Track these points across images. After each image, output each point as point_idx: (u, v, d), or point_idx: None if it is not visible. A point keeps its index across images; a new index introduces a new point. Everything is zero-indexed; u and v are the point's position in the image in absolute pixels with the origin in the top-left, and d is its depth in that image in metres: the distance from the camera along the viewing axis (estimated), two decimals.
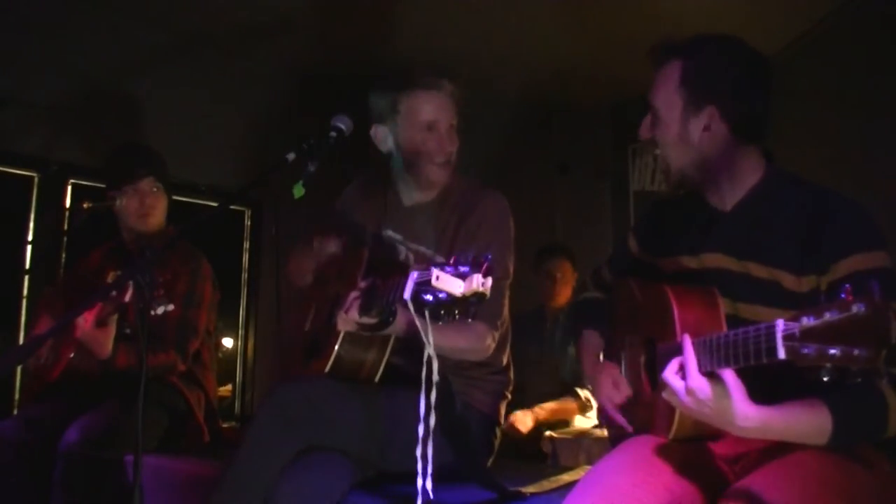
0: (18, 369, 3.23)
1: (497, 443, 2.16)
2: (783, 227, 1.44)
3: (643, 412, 1.57)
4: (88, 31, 3.58)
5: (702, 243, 1.57)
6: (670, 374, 1.30)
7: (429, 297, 1.31)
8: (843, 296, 1.01)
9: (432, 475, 1.47)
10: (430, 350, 1.43)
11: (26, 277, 3.39)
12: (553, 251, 3.82)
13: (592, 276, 1.96)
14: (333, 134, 1.84)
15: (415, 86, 2.02)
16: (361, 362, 1.90)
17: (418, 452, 1.44)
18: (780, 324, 1.08)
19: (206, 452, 2.53)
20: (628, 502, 1.33)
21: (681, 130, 1.53)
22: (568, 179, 4.87)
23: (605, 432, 3.05)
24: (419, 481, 1.45)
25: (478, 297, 1.30)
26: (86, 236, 2.89)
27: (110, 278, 2.60)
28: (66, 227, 3.17)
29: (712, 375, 1.26)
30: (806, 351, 1.03)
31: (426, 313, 1.36)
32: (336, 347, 1.86)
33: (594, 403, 3.55)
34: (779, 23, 3.60)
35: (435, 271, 1.30)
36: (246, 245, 4.23)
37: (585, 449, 3.16)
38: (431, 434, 1.46)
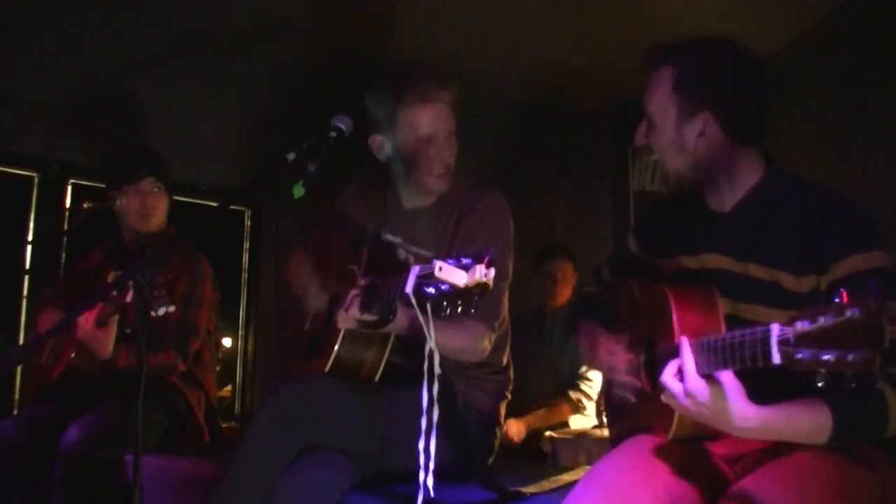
0: (18, 369, 3.23)
1: (497, 443, 2.16)
2: (783, 228, 1.44)
3: (643, 412, 1.57)
4: (88, 31, 3.59)
5: (701, 244, 1.57)
6: (668, 376, 1.31)
7: (431, 290, 1.31)
8: (837, 300, 1.01)
9: (433, 473, 1.47)
10: (431, 343, 1.43)
11: (26, 277, 3.39)
12: (554, 251, 3.82)
13: (593, 276, 1.96)
14: (333, 134, 1.84)
15: (412, 98, 1.99)
16: (361, 362, 1.90)
17: (420, 446, 1.44)
18: (776, 328, 1.09)
19: (206, 452, 2.53)
20: (628, 502, 1.33)
21: (676, 136, 1.52)
22: (568, 179, 4.87)
23: (605, 432, 3.06)
24: (421, 475, 1.45)
25: (481, 288, 1.29)
26: (86, 236, 2.89)
27: (111, 278, 2.60)
28: (66, 227, 3.16)
29: (710, 377, 1.26)
30: (801, 356, 1.03)
31: (428, 307, 1.35)
32: (336, 347, 1.86)
33: (587, 404, 3.56)
34: (779, 23, 3.60)
35: (438, 262, 1.29)
36: (246, 245, 4.23)
37: (585, 449, 3.15)
38: (434, 428, 1.45)
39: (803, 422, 1.27)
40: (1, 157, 3.46)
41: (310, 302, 2.12)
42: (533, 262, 3.74)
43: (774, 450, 1.37)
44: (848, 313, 1.00)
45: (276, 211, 3.79)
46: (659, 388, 1.34)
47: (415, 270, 1.36)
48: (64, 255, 3.50)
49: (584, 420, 3.57)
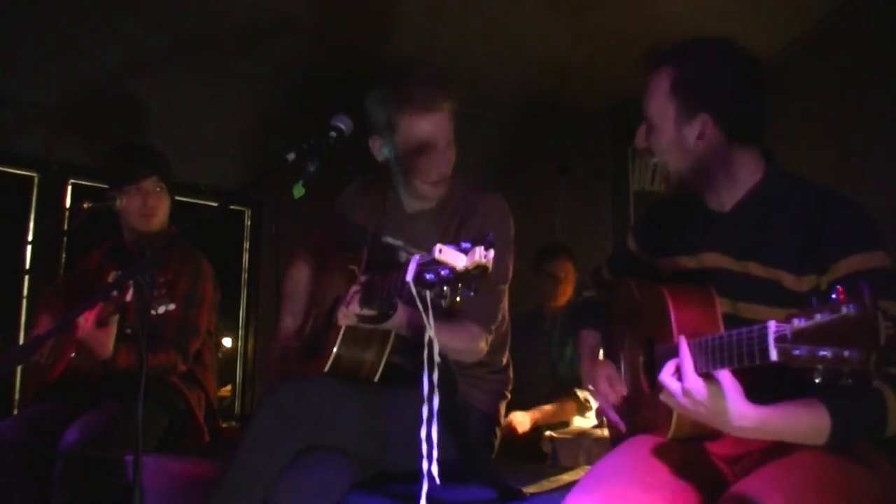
0: (18, 369, 3.23)
1: (497, 442, 2.16)
2: (783, 227, 1.44)
3: (642, 412, 1.57)
4: (88, 31, 3.59)
5: (701, 243, 1.57)
6: (667, 375, 1.31)
7: (431, 276, 1.30)
8: (834, 297, 1.02)
9: (437, 463, 1.46)
10: (430, 332, 1.42)
11: (26, 277, 3.39)
12: (555, 251, 3.82)
13: (593, 276, 1.96)
14: (333, 134, 1.84)
15: (412, 106, 1.97)
16: (361, 362, 1.90)
17: (422, 434, 1.43)
18: (773, 325, 1.09)
19: (206, 452, 2.53)
20: (628, 502, 1.33)
21: (675, 138, 1.52)
22: (568, 179, 4.87)
23: (605, 432, 3.06)
24: (424, 464, 1.44)
25: (480, 269, 1.29)
26: (86, 236, 2.89)
27: (111, 278, 2.60)
28: (66, 227, 3.16)
29: (709, 376, 1.26)
30: (798, 352, 1.04)
31: (427, 295, 1.35)
32: (336, 347, 1.86)
33: (593, 404, 3.55)
34: (779, 23, 3.60)
35: (438, 246, 1.29)
36: (246, 245, 4.23)
37: (585, 449, 3.15)
38: (436, 419, 1.45)
39: (802, 422, 1.27)
40: (1, 157, 3.46)
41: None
42: (533, 262, 3.74)
43: (774, 450, 1.37)
44: (844, 310, 1.00)
45: (276, 211, 3.79)
46: (657, 387, 1.34)
47: (416, 259, 1.36)
48: (64, 255, 3.50)
49: (585, 420, 3.56)
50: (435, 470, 1.43)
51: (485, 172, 4.33)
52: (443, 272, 1.29)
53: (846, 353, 0.99)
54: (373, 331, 1.86)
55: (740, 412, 1.24)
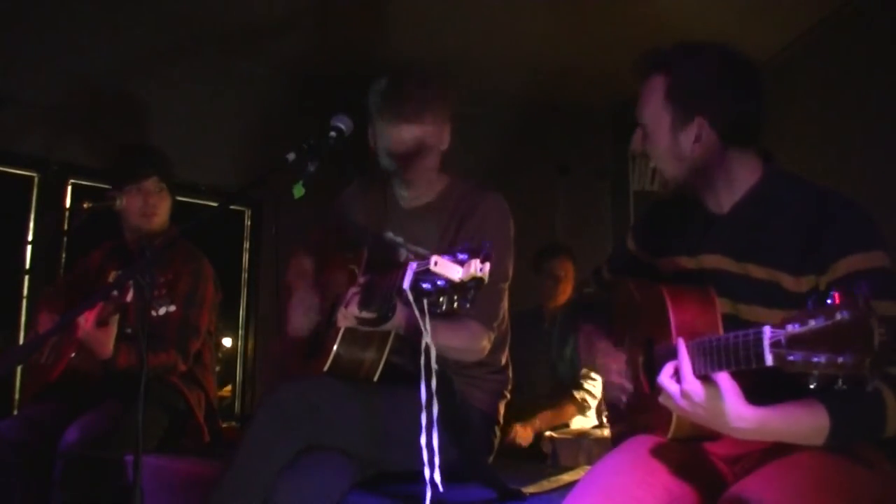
0: (18, 369, 3.23)
1: (497, 442, 2.16)
2: (782, 228, 1.44)
3: (642, 412, 1.57)
4: (88, 31, 3.59)
5: (700, 244, 1.57)
6: (665, 377, 1.31)
7: (427, 286, 1.32)
8: (829, 301, 1.02)
9: (439, 469, 1.46)
10: (427, 339, 1.43)
11: (26, 277, 3.39)
12: (555, 251, 3.82)
13: (593, 276, 1.96)
14: (333, 134, 1.84)
15: (388, 114, 1.98)
16: (360, 361, 1.90)
17: (423, 442, 1.44)
18: (767, 330, 1.09)
19: (206, 452, 2.53)
20: (628, 502, 1.33)
21: (671, 143, 1.53)
22: (568, 179, 4.87)
23: (605, 432, 3.06)
24: (426, 472, 1.44)
25: (476, 282, 1.30)
26: (86, 236, 2.90)
27: (111, 278, 2.60)
28: (66, 227, 3.17)
29: (707, 378, 1.26)
30: (792, 358, 1.04)
31: (424, 303, 1.36)
32: (335, 346, 1.86)
33: (591, 403, 3.55)
34: (778, 23, 3.60)
35: (433, 258, 1.30)
36: (246, 245, 4.23)
37: (585, 449, 3.16)
38: (435, 425, 1.45)
39: (801, 422, 1.27)
40: (1, 157, 3.46)
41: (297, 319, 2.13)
42: (533, 262, 3.74)
43: (773, 450, 1.37)
44: (838, 316, 1.00)
45: (276, 211, 3.79)
46: (656, 388, 1.35)
47: (412, 266, 1.37)
48: (64, 255, 3.50)
49: (585, 420, 3.57)
50: (437, 477, 1.43)
51: (485, 172, 4.32)
52: (439, 282, 1.30)
53: (840, 360, 0.99)
54: (372, 331, 1.86)
55: (739, 413, 1.24)
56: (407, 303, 1.44)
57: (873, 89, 3.28)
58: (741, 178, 1.52)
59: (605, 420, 3.31)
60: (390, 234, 2.16)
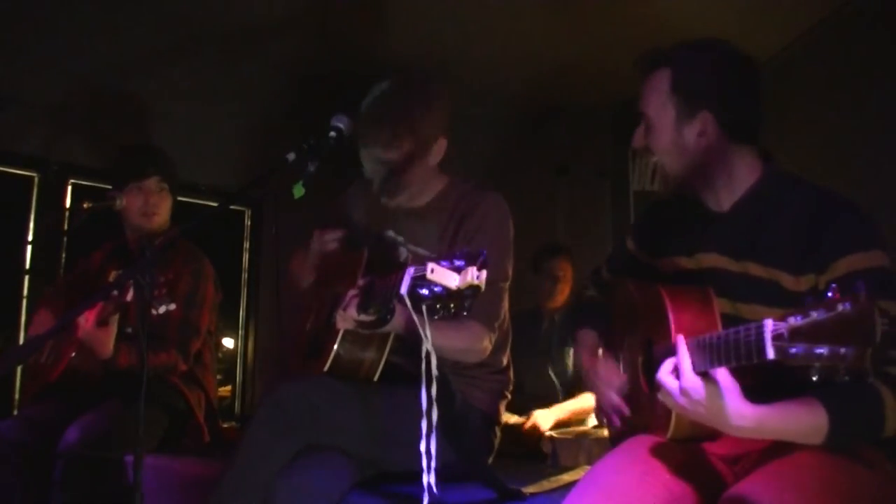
0: (18, 369, 3.23)
1: (497, 442, 2.16)
2: (782, 227, 1.44)
3: (642, 412, 1.57)
4: (88, 31, 3.58)
5: (699, 244, 1.57)
6: (665, 374, 1.31)
7: (425, 292, 1.32)
8: (829, 295, 1.02)
9: (435, 472, 1.47)
10: (427, 345, 1.43)
11: (26, 277, 3.39)
12: (554, 251, 3.82)
13: (592, 276, 1.96)
14: (333, 134, 1.84)
15: (359, 140, 1.98)
16: (360, 361, 1.90)
17: (422, 448, 1.44)
18: (769, 323, 1.09)
19: (206, 452, 2.54)
20: (628, 502, 1.33)
21: (675, 137, 1.53)
22: (568, 179, 4.86)
23: (605, 432, 3.06)
24: (424, 477, 1.45)
25: (473, 289, 1.30)
26: (86, 236, 2.90)
27: (112, 278, 2.61)
28: (66, 227, 3.17)
29: (707, 375, 1.26)
30: (794, 350, 1.04)
31: (423, 308, 1.36)
32: (335, 347, 1.86)
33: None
34: (778, 23, 3.60)
35: (430, 265, 1.30)
36: (246, 245, 4.23)
37: (585, 449, 3.15)
38: (434, 430, 1.46)
39: (799, 420, 1.27)
40: (1, 157, 3.46)
41: (311, 294, 2.12)
42: (532, 262, 3.74)
43: (773, 450, 1.37)
44: (840, 308, 1.00)
45: (276, 211, 3.79)
46: (655, 386, 1.34)
47: (409, 272, 1.37)
48: (64, 255, 3.50)
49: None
50: (433, 481, 1.43)
51: (485, 172, 4.32)
52: (436, 289, 1.31)
53: (842, 351, 1.00)
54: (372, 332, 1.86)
55: (738, 411, 1.24)
56: (406, 306, 1.44)
57: (873, 89, 3.28)
58: (741, 176, 1.52)
59: (604, 420, 3.30)
60: (391, 233, 2.15)
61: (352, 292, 1.79)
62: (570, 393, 3.57)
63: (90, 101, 3.59)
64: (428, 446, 1.45)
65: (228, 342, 4.26)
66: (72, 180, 3.60)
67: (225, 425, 3.28)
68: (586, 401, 3.51)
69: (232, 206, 4.18)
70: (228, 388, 4.24)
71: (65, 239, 3.46)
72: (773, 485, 1.26)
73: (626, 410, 1.60)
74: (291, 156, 1.77)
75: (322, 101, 3.01)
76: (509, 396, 2.20)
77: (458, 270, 1.30)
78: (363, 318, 1.76)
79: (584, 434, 3.35)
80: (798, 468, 1.30)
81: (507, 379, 2.19)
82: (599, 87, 4.24)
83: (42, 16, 3.44)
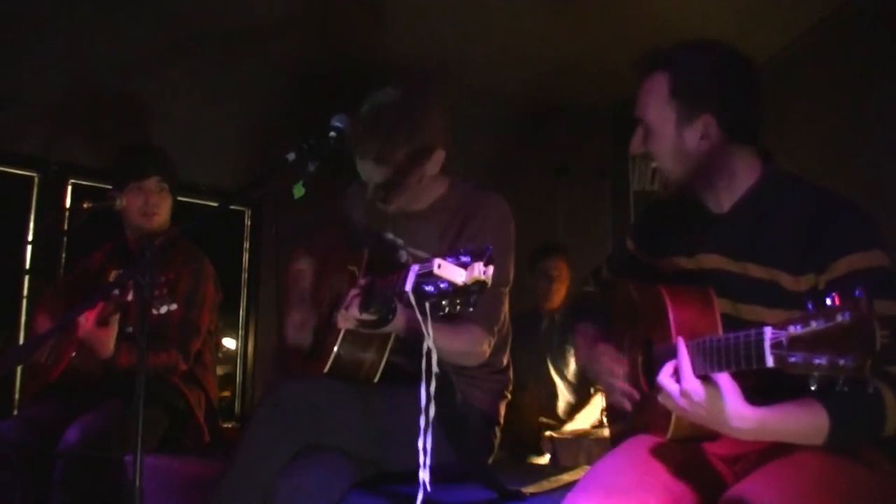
0: (18, 369, 3.23)
1: (497, 442, 2.16)
2: (781, 227, 1.44)
3: (642, 413, 1.57)
4: (88, 31, 3.58)
5: (699, 245, 1.57)
6: (665, 376, 1.31)
7: (430, 288, 1.31)
8: (829, 303, 1.02)
9: (433, 474, 1.46)
10: (429, 342, 1.43)
11: (26, 277, 3.39)
12: (549, 250, 3.82)
13: (592, 275, 1.96)
14: (333, 134, 1.84)
15: (353, 149, 1.96)
16: (361, 362, 1.90)
17: (419, 444, 1.44)
18: (768, 331, 1.09)
19: (206, 452, 2.53)
20: (627, 502, 1.33)
21: (677, 142, 1.52)
22: (568, 179, 4.87)
23: (605, 432, 3.06)
24: (420, 473, 1.44)
25: (479, 285, 1.30)
26: (86, 236, 2.90)
27: (112, 278, 2.60)
28: (66, 227, 3.17)
29: (707, 378, 1.26)
30: (793, 359, 1.04)
31: (427, 306, 1.36)
32: (335, 347, 1.86)
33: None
34: (778, 23, 3.60)
35: (437, 261, 1.30)
36: (246, 245, 4.23)
37: (585, 449, 3.16)
38: (431, 426, 1.45)
39: (800, 422, 1.27)
40: (1, 157, 3.46)
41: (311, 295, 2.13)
42: (528, 261, 3.74)
43: (773, 450, 1.37)
44: (839, 318, 1.00)
45: (276, 211, 3.79)
46: (656, 388, 1.34)
47: (414, 269, 1.37)
48: (64, 255, 3.50)
49: (584, 419, 3.56)
50: (427, 477, 1.43)
51: (485, 172, 4.32)
52: (442, 285, 1.30)
53: (841, 362, 0.99)
54: (372, 332, 1.86)
55: (738, 413, 1.24)
56: (408, 305, 1.44)
57: (873, 89, 3.28)
58: (742, 176, 1.52)
59: (604, 420, 3.31)
60: (390, 235, 2.15)
61: (353, 292, 1.79)
62: (577, 392, 3.57)
63: (90, 101, 3.60)
64: (425, 443, 1.44)
65: (229, 342, 4.26)
66: (72, 180, 3.61)
67: (225, 425, 3.28)
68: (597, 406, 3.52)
69: (232, 206, 4.18)
70: (228, 391, 4.23)
71: (65, 239, 3.46)
72: (773, 485, 1.26)
73: (637, 395, 1.58)
74: (291, 156, 1.77)
75: (322, 101, 3.01)
76: (509, 396, 2.20)
77: (465, 266, 1.29)
78: (365, 317, 1.76)
79: (584, 434, 3.36)
80: (798, 468, 1.30)
81: (507, 379, 2.18)
82: (599, 87, 4.25)
83: (42, 16, 3.45)
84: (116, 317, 2.35)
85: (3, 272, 3.33)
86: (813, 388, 1.03)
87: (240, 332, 4.18)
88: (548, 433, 3.37)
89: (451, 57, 3.98)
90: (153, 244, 2.55)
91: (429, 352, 1.44)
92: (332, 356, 1.86)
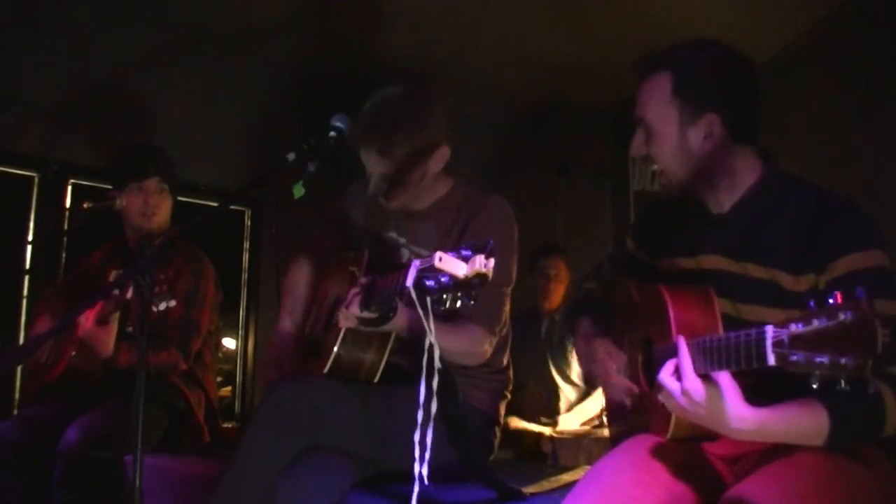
0: (18, 369, 3.24)
1: (497, 442, 2.16)
2: (781, 227, 1.44)
3: (641, 412, 1.57)
4: (88, 31, 3.59)
5: (699, 245, 1.57)
6: (666, 375, 1.30)
7: (431, 283, 1.31)
8: (831, 302, 1.01)
9: (433, 473, 1.46)
10: (431, 338, 1.42)
11: (26, 277, 3.39)
12: (548, 250, 3.83)
13: (594, 271, 1.96)
14: (333, 134, 1.84)
15: (358, 142, 1.96)
16: (361, 362, 1.90)
17: (416, 438, 1.43)
18: (770, 330, 1.09)
19: (206, 452, 2.53)
20: (627, 502, 1.33)
21: (680, 141, 1.51)
22: (568, 179, 4.87)
23: (605, 432, 3.06)
24: (416, 467, 1.44)
25: (480, 278, 1.29)
26: (86, 236, 2.90)
27: (112, 278, 2.60)
28: (66, 227, 3.17)
29: (707, 377, 1.26)
30: (795, 358, 1.04)
31: (428, 301, 1.35)
32: (336, 347, 1.86)
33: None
34: (778, 23, 3.60)
35: (438, 254, 1.29)
36: (246, 245, 4.23)
37: (585, 449, 3.16)
38: (431, 422, 1.45)
39: (800, 423, 1.27)
40: (1, 157, 3.46)
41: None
42: (527, 261, 3.74)
43: (773, 451, 1.37)
44: (841, 316, 1.00)
45: (276, 211, 3.79)
46: (656, 386, 1.34)
47: (415, 264, 1.37)
48: (64, 255, 3.50)
49: (581, 414, 3.55)
50: (425, 472, 1.43)
51: (485, 172, 4.33)
52: (443, 279, 1.30)
53: (843, 361, 0.99)
54: (373, 332, 1.86)
55: (739, 414, 1.23)
56: (409, 302, 1.44)
57: (873, 89, 3.28)
58: (743, 176, 1.52)
59: (604, 420, 3.31)
60: (392, 235, 2.15)
61: (354, 290, 1.79)
62: (582, 392, 3.57)
63: (90, 101, 3.60)
64: (423, 437, 1.44)
65: (229, 342, 4.26)
66: (72, 180, 3.60)
67: (225, 425, 3.28)
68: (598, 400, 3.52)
69: (232, 206, 4.18)
70: (228, 388, 4.24)
71: (65, 239, 3.46)
72: (773, 485, 1.26)
73: (637, 388, 1.58)
74: (291, 156, 1.77)
75: (322, 101, 3.01)
76: (509, 396, 2.20)
77: (466, 259, 1.29)
78: (366, 315, 1.76)
79: (584, 434, 3.36)
80: (798, 468, 1.30)
81: (507, 379, 2.18)
82: (599, 87, 4.25)
83: (42, 16, 3.45)
84: (116, 316, 2.35)
85: (3, 272, 3.33)
86: (815, 387, 1.02)
87: (240, 331, 4.18)
88: (548, 433, 3.37)
89: (451, 57, 3.98)
90: (153, 244, 2.56)
91: (430, 347, 1.44)
92: (333, 356, 1.86)
